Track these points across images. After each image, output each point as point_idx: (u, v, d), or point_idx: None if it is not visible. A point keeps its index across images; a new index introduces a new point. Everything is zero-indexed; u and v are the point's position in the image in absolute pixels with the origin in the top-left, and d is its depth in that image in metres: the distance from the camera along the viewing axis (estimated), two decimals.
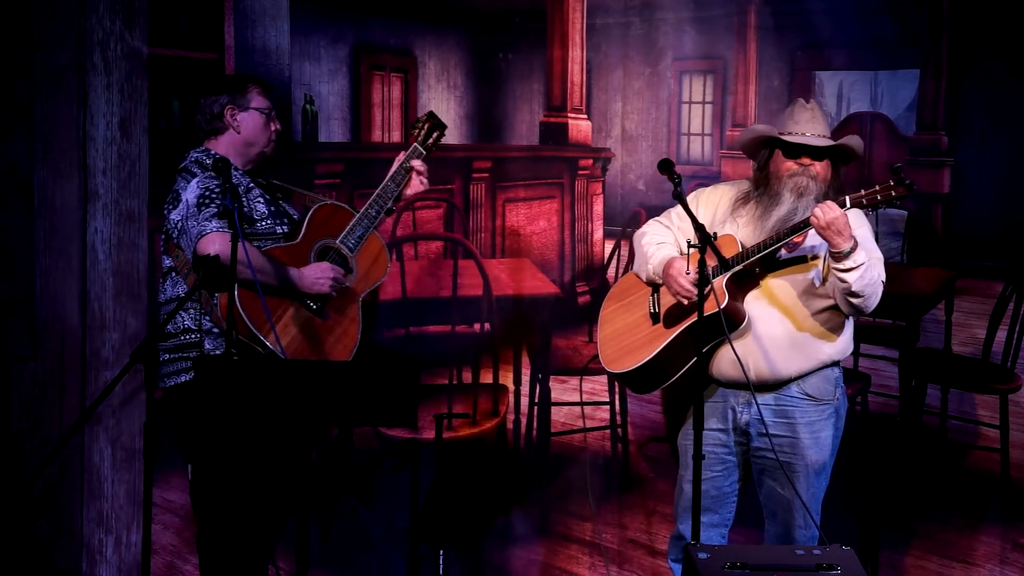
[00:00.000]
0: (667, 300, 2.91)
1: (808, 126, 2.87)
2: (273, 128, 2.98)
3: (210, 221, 2.68)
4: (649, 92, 9.24)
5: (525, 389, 4.69)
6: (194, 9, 5.46)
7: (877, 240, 2.98)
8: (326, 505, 3.91)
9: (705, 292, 2.65)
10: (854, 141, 2.88)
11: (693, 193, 3.07)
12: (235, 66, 5.55)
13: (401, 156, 3.06)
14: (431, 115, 3.11)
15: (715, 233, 2.77)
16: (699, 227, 2.58)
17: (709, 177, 8.62)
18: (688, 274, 2.79)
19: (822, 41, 8.45)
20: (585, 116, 8.24)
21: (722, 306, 2.74)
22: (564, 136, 8.10)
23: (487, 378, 3.97)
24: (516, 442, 4.65)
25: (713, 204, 2.99)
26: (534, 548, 3.87)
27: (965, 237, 8.06)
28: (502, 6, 9.10)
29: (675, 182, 2.68)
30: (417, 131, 3.10)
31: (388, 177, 3.03)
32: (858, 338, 5.01)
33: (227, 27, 5.55)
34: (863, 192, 2.74)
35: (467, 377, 4.05)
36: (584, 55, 8.17)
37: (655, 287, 2.98)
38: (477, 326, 3.97)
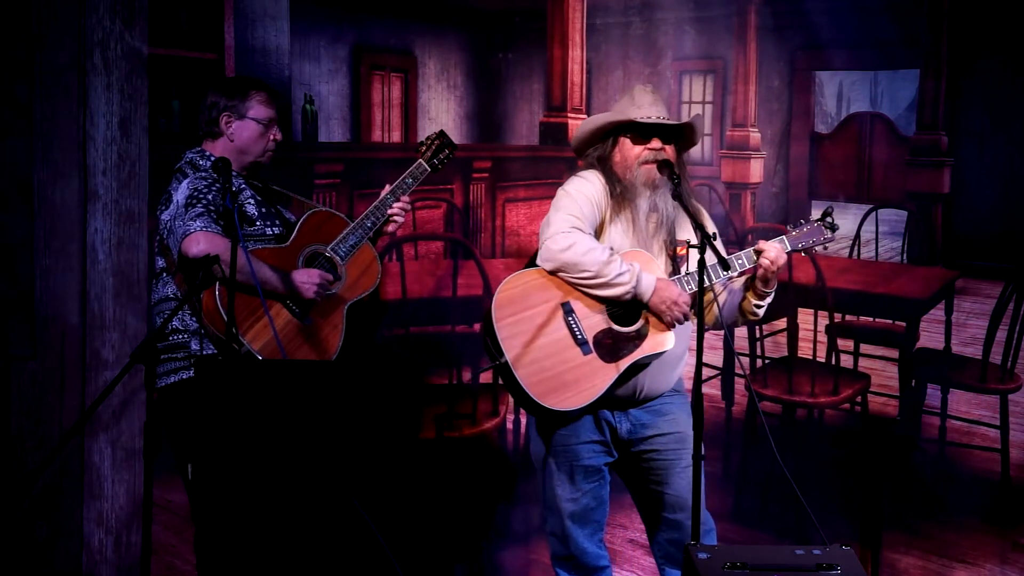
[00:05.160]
0: (592, 324, 2.72)
1: (654, 109, 2.77)
2: (271, 138, 2.95)
3: (195, 220, 2.67)
4: None
5: None
6: (194, 9, 5.46)
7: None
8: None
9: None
10: (699, 121, 2.81)
11: (572, 188, 2.79)
12: (235, 66, 5.55)
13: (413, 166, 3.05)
14: (442, 134, 3.08)
15: (714, 233, 2.72)
16: (698, 226, 2.53)
17: (709, 177, 8.61)
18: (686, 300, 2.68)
19: (822, 41, 8.45)
20: (585, 116, 8.24)
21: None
22: (564, 136, 8.10)
23: (487, 378, 3.97)
24: (516, 442, 4.65)
25: (597, 204, 2.78)
26: (534, 548, 3.87)
27: (965, 237, 8.05)
28: (502, 6, 9.09)
29: (674, 182, 2.66)
30: (425, 148, 3.06)
31: (388, 191, 3.00)
32: (858, 338, 5.03)
33: (227, 27, 5.55)
34: (803, 238, 2.78)
35: (467, 377, 4.05)
36: (584, 55, 8.17)
37: (566, 305, 2.72)
38: (477, 326, 3.96)
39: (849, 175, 9.05)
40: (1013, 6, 7.58)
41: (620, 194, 2.76)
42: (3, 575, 3.31)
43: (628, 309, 2.73)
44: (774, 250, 2.69)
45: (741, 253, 2.75)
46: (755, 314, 2.78)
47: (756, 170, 9.11)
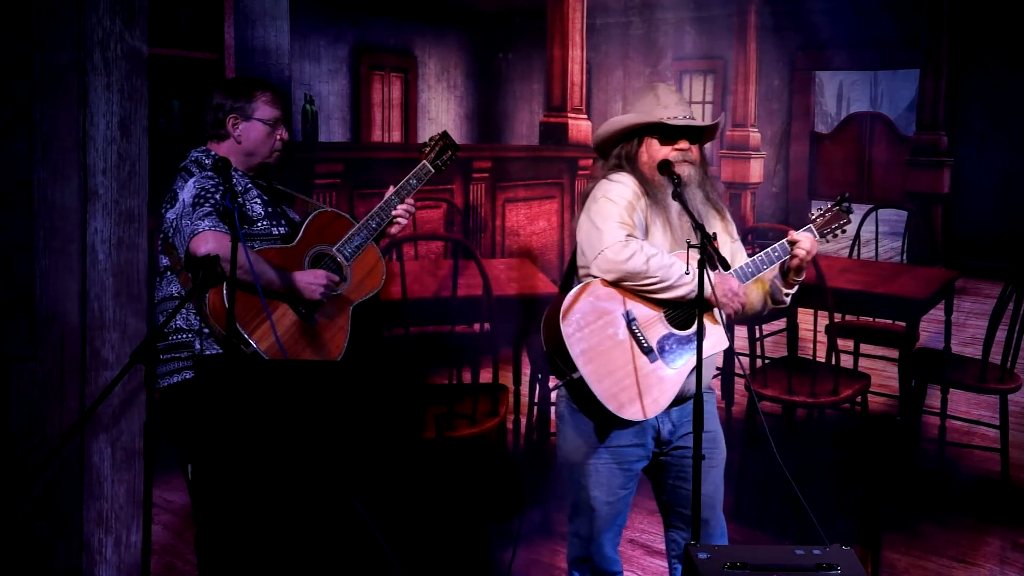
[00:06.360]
0: (654, 331, 2.73)
1: (680, 108, 2.77)
2: (278, 137, 2.95)
3: (203, 220, 2.67)
4: None
5: (525, 389, 4.69)
6: (194, 9, 5.46)
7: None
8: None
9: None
10: (722, 121, 2.85)
11: (614, 195, 2.76)
12: (235, 66, 5.55)
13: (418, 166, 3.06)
14: (445, 135, 3.10)
15: (714, 233, 2.73)
16: (698, 226, 2.54)
17: None
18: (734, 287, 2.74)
19: (822, 41, 8.45)
20: (585, 116, 8.24)
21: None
22: (564, 136, 8.10)
23: (487, 378, 3.97)
24: (516, 442, 4.65)
25: (639, 208, 2.78)
26: (534, 548, 3.87)
27: (965, 237, 8.06)
28: (502, 6, 9.10)
29: (675, 183, 2.67)
30: (428, 149, 3.08)
31: (392, 192, 3.01)
32: (858, 338, 5.03)
33: (227, 27, 5.55)
34: (828, 224, 2.85)
35: (467, 377, 4.05)
36: (584, 55, 8.17)
37: (627, 314, 2.71)
38: (477, 326, 3.96)
39: (849, 175, 9.04)
40: (1012, 6, 7.58)
41: (651, 195, 2.77)
42: (3, 575, 3.31)
43: (684, 312, 2.76)
44: (808, 240, 2.76)
45: (776, 245, 2.81)
46: (784, 302, 2.85)
47: (756, 170, 9.11)
